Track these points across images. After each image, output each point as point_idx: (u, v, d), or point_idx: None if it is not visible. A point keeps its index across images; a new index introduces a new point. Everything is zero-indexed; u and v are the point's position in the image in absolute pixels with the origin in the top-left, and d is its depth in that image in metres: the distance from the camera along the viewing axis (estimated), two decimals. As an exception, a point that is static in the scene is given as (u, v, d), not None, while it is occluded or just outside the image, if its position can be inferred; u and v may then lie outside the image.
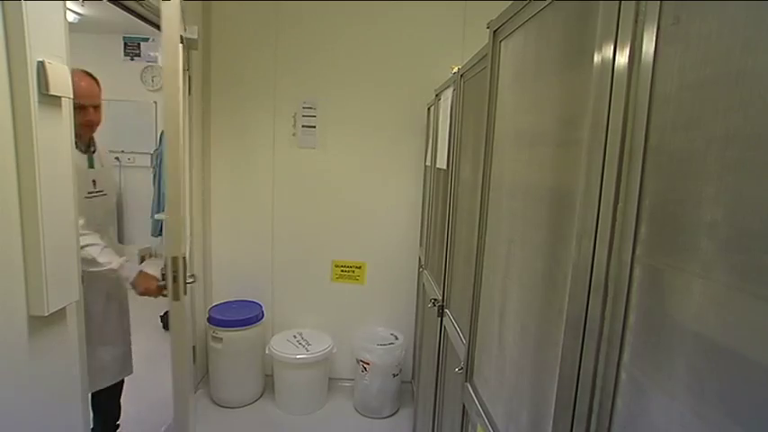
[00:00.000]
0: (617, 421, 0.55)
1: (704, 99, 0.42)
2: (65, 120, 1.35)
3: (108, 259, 1.72)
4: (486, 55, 1.11)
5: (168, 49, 1.45)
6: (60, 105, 1.32)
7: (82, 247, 1.54)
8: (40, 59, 1.21)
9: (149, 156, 4.26)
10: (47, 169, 1.25)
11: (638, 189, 0.51)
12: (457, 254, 1.54)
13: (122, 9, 1.84)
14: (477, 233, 1.12)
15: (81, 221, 1.48)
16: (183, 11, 1.51)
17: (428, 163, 2.35)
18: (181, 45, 1.62)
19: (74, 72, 1.51)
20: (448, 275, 1.65)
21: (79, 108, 1.58)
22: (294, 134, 2.72)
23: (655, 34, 0.48)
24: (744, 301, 0.37)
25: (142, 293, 1.77)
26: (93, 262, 1.69)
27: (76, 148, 1.63)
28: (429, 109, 2.50)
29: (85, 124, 1.68)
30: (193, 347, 2.70)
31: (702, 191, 0.42)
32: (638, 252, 0.51)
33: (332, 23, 2.63)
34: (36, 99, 1.20)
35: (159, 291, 1.75)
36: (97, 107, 1.71)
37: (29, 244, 1.23)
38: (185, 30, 1.90)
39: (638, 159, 0.51)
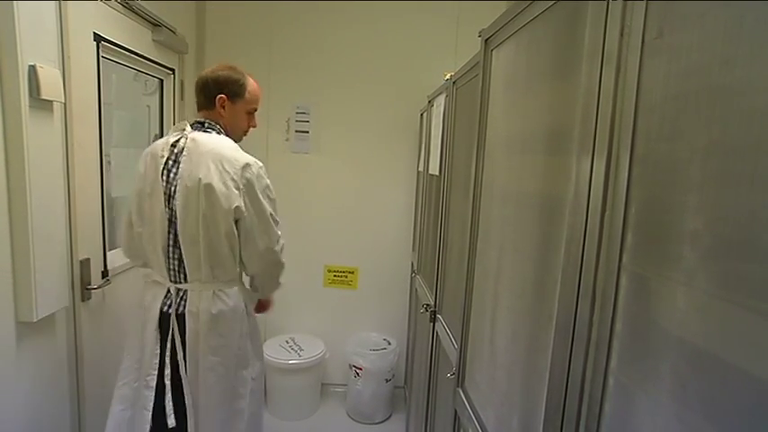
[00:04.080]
0: (605, 426, 0.55)
1: (687, 111, 0.44)
2: (56, 124, 1.35)
3: None
4: (478, 63, 1.12)
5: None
6: (52, 110, 1.31)
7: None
8: (32, 63, 1.21)
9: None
10: (37, 174, 1.24)
11: (624, 197, 0.52)
12: (449, 259, 1.55)
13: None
14: (468, 239, 1.13)
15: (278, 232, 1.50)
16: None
17: (421, 168, 2.37)
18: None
19: (250, 75, 1.53)
20: (440, 281, 1.66)
21: (252, 113, 1.56)
22: (287, 139, 2.72)
23: (639, 47, 0.49)
24: (723, 308, 0.39)
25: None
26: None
27: None
28: (422, 115, 2.51)
29: (248, 130, 1.62)
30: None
31: (685, 200, 0.43)
32: (624, 259, 0.52)
33: (326, 29, 2.64)
34: (27, 103, 1.20)
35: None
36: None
37: (18, 249, 1.22)
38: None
39: (624, 168, 0.52)
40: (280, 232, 1.50)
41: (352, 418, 2.64)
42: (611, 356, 0.54)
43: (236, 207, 1.36)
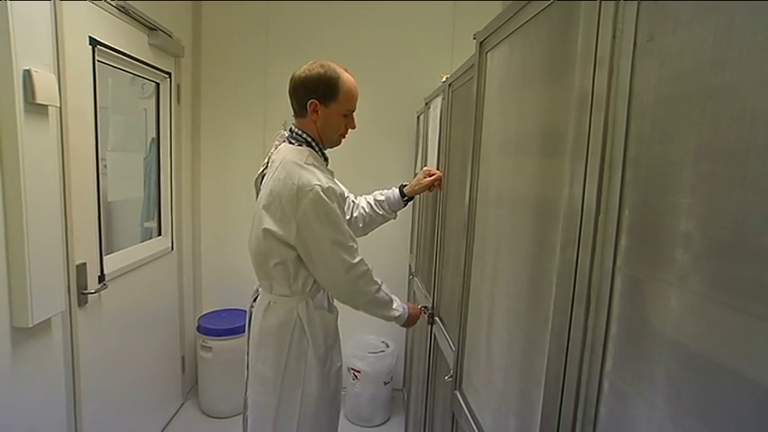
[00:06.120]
0: (600, 429, 0.55)
1: (678, 114, 0.44)
2: (51, 129, 1.34)
3: (397, 304, 1.49)
4: (473, 65, 1.12)
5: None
6: (47, 114, 1.31)
7: (380, 288, 1.40)
8: (27, 68, 1.20)
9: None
10: (33, 179, 1.24)
11: (618, 200, 0.52)
12: (446, 261, 1.55)
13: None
14: (465, 241, 1.13)
15: (359, 259, 1.33)
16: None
17: (418, 170, 2.37)
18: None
19: (345, 69, 1.36)
20: (437, 283, 1.66)
21: (349, 114, 1.39)
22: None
23: (631, 50, 0.50)
24: (716, 310, 0.39)
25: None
26: (388, 304, 1.46)
27: (326, 163, 1.41)
28: (419, 117, 2.51)
29: (345, 134, 1.44)
30: (182, 357, 2.67)
31: (677, 203, 0.43)
32: (618, 262, 0.52)
33: (323, 31, 2.64)
34: (22, 108, 1.19)
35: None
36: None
37: (13, 254, 1.22)
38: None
39: (617, 171, 0.52)
40: (358, 257, 1.34)
41: (351, 421, 2.63)
42: (606, 359, 0.54)
43: (273, 231, 1.27)
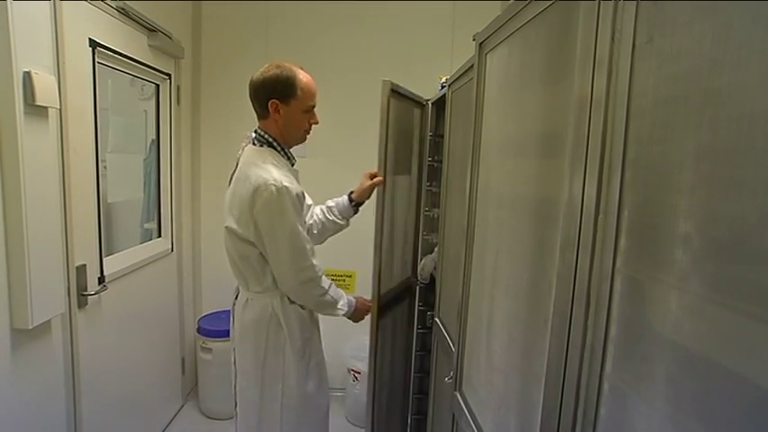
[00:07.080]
0: (600, 430, 0.55)
1: (677, 115, 0.44)
2: (51, 130, 1.34)
3: (342, 303, 1.52)
4: (473, 66, 1.12)
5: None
6: (47, 116, 1.31)
7: (326, 292, 1.43)
8: (27, 70, 1.20)
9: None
10: (32, 180, 1.24)
11: (617, 201, 0.52)
12: (446, 263, 1.55)
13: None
14: (464, 242, 1.13)
15: (315, 261, 1.39)
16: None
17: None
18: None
19: (301, 68, 1.39)
20: (437, 284, 1.66)
21: (310, 110, 1.41)
22: (284, 143, 2.72)
23: (630, 52, 0.50)
24: (715, 311, 0.39)
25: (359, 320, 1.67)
26: (333, 305, 1.49)
27: (291, 163, 1.44)
28: (418, 118, 2.51)
29: (309, 129, 1.46)
30: (182, 359, 2.67)
31: (677, 203, 0.43)
32: (618, 263, 0.52)
33: (323, 32, 2.65)
34: (22, 110, 1.19)
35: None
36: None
37: (13, 256, 1.22)
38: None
39: (617, 172, 0.52)
40: (313, 260, 1.38)
41: (351, 423, 2.63)
42: (606, 360, 0.54)
43: (234, 230, 1.33)
